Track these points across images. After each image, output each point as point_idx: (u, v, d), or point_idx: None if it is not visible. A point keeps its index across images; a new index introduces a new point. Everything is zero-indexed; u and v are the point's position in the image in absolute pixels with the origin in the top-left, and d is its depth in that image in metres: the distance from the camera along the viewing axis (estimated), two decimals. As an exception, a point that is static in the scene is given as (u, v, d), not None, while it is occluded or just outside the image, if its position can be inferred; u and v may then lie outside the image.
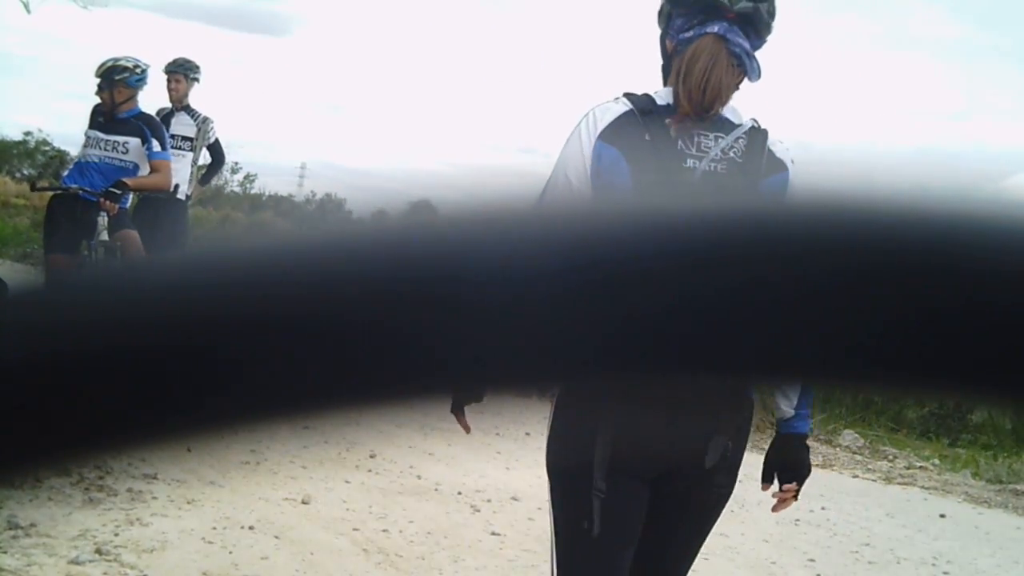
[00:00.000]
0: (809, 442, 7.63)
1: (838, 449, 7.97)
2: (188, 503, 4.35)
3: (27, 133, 34.92)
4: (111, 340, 0.26)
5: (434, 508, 4.97)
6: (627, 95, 2.23)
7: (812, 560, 5.00)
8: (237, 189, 29.69)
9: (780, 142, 2.23)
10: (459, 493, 5.27)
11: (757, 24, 2.22)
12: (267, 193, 30.09)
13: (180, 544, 3.85)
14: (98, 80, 6.55)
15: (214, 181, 9.05)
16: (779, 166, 2.18)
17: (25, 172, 32.42)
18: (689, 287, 0.25)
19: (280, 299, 0.26)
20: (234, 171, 30.20)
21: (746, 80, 2.24)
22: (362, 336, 0.26)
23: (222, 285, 0.27)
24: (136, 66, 6.66)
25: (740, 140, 2.19)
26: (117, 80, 6.61)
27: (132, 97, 6.63)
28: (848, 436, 8.18)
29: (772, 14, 2.24)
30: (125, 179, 6.32)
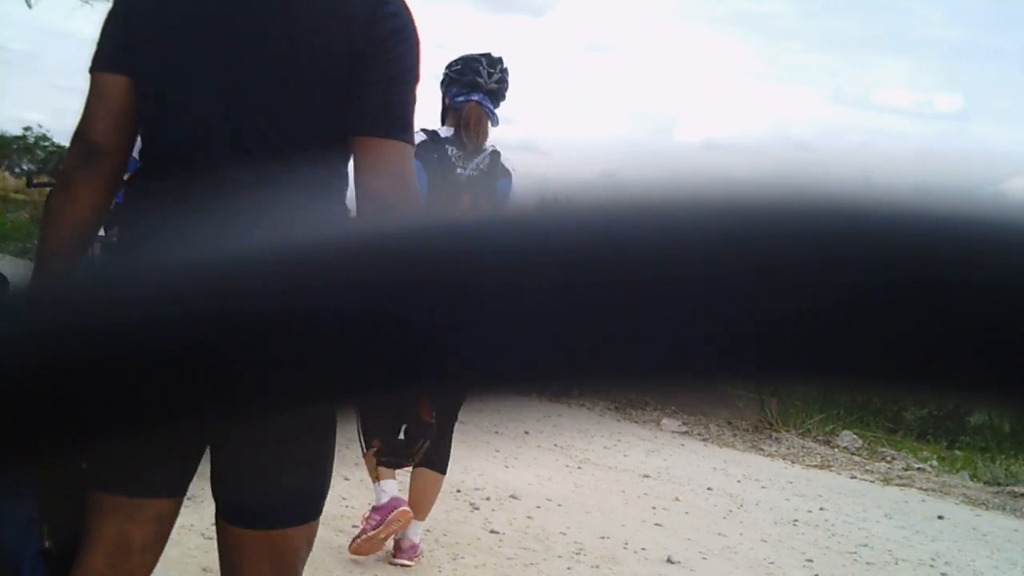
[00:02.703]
0: (807, 442, 7.65)
1: (836, 450, 7.98)
2: (187, 499, 4.35)
3: (26, 128, 34.84)
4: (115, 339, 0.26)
5: (434, 506, 4.98)
6: (423, 129, 3.77)
7: (810, 560, 5.01)
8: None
9: (507, 160, 3.96)
10: (458, 491, 5.27)
11: (499, 96, 3.98)
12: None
13: (180, 540, 3.85)
14: None
15: None
16: (506, 174, 3.93)
17: (24, 167, 32.35)
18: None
19: (281, 296, 0.26)
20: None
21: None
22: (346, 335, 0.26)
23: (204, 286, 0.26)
24: None
25: (486, 158, 3.91)
26: None
27: None
28: (847, 437, 8.19)
29: (506, 91, 4.02)
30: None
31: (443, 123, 3.95)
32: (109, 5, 1.86)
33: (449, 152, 3.82)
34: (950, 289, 0.25)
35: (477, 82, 3.86)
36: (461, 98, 3.87)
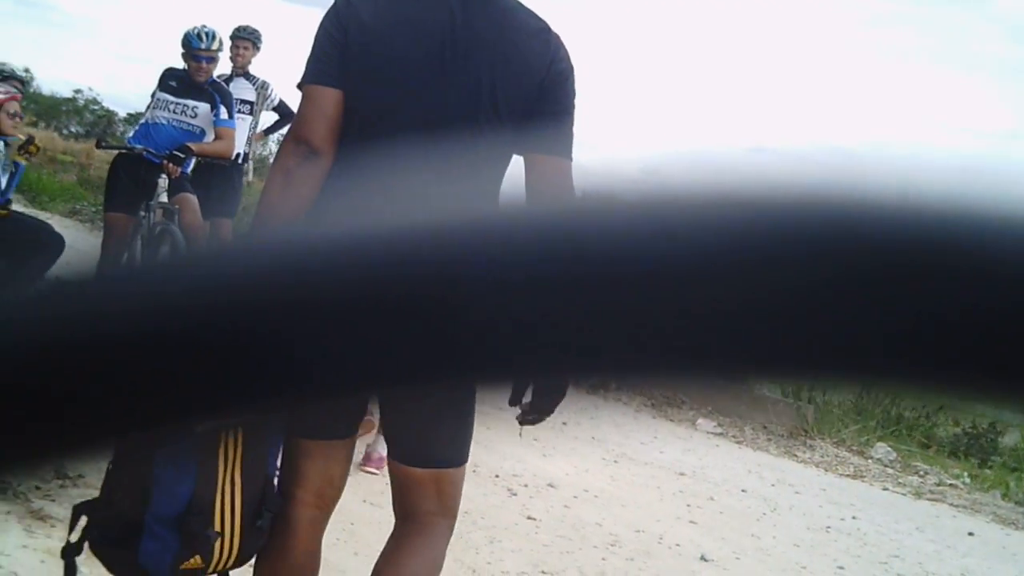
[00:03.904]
0: (841, 451, 7.60)
1: (870, 461, 7.96)
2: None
3: (77, 91, 35.10)
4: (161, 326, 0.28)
5: (471, 489, 4.99)
6: None
7: (842, 567, 5.03)
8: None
9: None
10: (496, 476, 5.32)
11: None
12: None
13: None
14: (210, 50, 6.66)
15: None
16: None
17: (72, 129, 32.59)
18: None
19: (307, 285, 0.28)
20: (264, 145, 30.06)
21: None
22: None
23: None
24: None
25: None
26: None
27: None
28: (881, 449, 8.18)
29: None
30: (189, 143, 6.39)
31: None
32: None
33: None
34: (984, 291, 0.26)
35: None
36: None
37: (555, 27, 2.23)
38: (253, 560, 2.26)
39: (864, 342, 0.26)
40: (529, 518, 4.81)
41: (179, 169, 6.30)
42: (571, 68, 2.22)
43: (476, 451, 5.67)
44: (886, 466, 7.90)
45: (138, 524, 2.04)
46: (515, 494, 5.15)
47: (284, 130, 8.73)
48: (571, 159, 2.21)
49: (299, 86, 2.22)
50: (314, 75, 2.16)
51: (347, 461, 2.34)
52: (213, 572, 2.15)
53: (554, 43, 2.20)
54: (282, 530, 2.24)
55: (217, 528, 2.09)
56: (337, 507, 2.37)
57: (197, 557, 2.07)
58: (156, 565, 2.05)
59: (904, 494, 7.15)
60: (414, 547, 2.32)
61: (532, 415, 2.18)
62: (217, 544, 2.09)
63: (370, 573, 2.33)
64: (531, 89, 2.16)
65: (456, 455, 2.32)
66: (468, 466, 5.27)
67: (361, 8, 2.14)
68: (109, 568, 2.12)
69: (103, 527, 2.09)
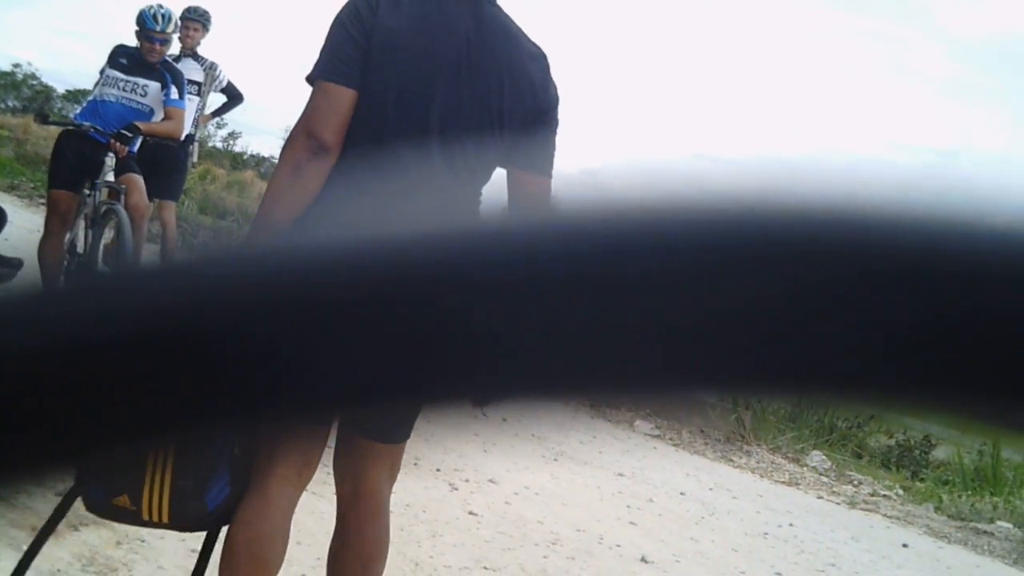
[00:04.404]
0: (777, 458, 7.67)
1: (805, 469, 8.02)
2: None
3: (15, 65, 34.65)
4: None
5: (413, 482, 4.98)
6: None
7: (779, 574, 5.04)
8: (220, 144, 29.39)
9: None
10: (438, 470, 5.29)
11: None
12: (249, 152, 29.73)
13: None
14: (165, 32, 6.54)
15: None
16: None
17: (9, 103, 32.15)
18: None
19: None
20: (219, 126, 29.91)
21: None
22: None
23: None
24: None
25: None
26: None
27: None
28: (816, 457, 8.24)
29: None
30: (138, 123, 6.28)
31: None
32: None
33: None
34: (933, 295, 0.26)
35: None
36: None
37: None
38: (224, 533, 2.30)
39: (803, 353, 0.26)
40: (471, 513, 4.78)
41: (126, 148, 6.18)
42: (559, 97, 2.41)
43: (417, 444, 5.64)
44: (821, 474, 7.96)
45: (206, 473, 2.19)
46: (456, 489, 5.12)
47: (230, 113, 8.66)
48: (551, 176, 2.39)
49: (312, 79, 2.27)
50: (332, 72, 2.23)
51: (324, 445, 2.40)
52: (147, 520, 2.18)
53: (549, 69, 2.38)
54: (260, 506, 2.27)
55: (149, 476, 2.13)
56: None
57: (126, 496, 2.12)
58: (94, 496, 2.16)
59: (839, 503, 7.20)
60: (373, 513, 2.45)
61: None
62: (145, 490, 2.12)
63: (331, 545, 2.49)
64: (530, 109, 2.32)
65: (408, 432, 2.46)
66: (409, 459, 5.29)
67: (387, 17, 2.24)
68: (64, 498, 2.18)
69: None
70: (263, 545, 2.26)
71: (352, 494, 2.46)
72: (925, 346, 0.26)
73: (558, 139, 2.42)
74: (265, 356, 0.27)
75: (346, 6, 2.27)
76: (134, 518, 2.15)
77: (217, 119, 8.84)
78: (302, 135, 2.22)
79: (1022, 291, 0.26)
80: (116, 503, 2.13)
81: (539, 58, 2.37)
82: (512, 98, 2.29)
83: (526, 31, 2.38)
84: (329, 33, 2.26)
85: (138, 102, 6.40)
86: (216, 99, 8.33)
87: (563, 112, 2.42)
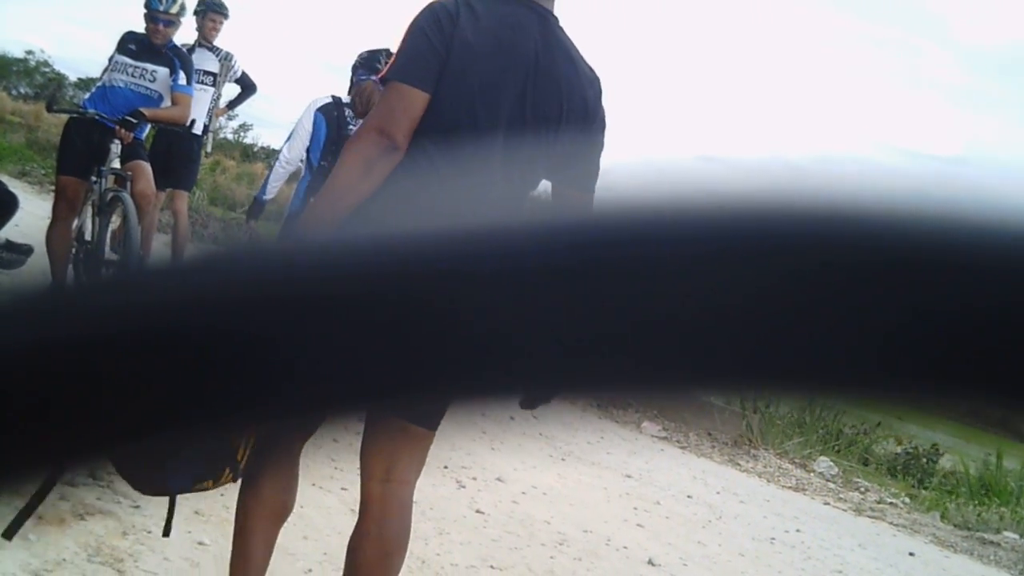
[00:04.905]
0: (784, 463, 7.66)
1: (812, 474, 8.00)
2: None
3: (28, 52, 34.69)
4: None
5: (420, 479, 4.95)
6: (332, 95, 5.36)
7: (786, 580, 5.03)
8: (231, 136, 29.36)
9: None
10: (445, 467, 5.26)
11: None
12: (259, 144, 29.67)
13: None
14: (170, 13, 6.49)
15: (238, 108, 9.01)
16: None
17: (22, 90, 32.17)
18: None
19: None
20: (230, 118, 29.85)
21: None
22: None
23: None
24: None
25: None
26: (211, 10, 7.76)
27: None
28: (823, 463, 8.22)
29: None
30: (143, 109, 6.25)
31: (349, 94, 5.25)
32: None
33: (347, 113, 5.24)
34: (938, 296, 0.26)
35: (376, 67, 4.95)
36: (363, 77, 5.08)
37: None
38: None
39: (807, 353, 0.26)
40: (478, 511, 4.76)
41: (131, 135, 6.14)
42: (605, 113, 2.51)
43: (425, 441, 5.62)
44: (828, 480, 7.94)
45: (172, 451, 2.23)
46: (464, 486, 5.10)
47: (245, 104, 8.64)
48: (593, 193, 2.45)
49: (386, 79, 2.37)
50: (409, 75, 2.32)
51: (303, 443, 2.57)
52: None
53: (602, 94, 2.49)
54: (275, 456, 2.49)
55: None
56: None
57: (210, 480, 2.26)
58: (179, 484, 2.27)
59: (845, 510, 7.18)
60: (400, 503, 2.49)
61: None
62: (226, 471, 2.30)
63: (352, 535, 2.51)
64: (582, 132, 2.43)
65: (440, 420, 2.44)
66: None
67: (467, 28, 2.33)
68: (133, 483, 2.29)
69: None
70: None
71: (383, 482, 2.47)
72: (930, 348, 0.26)
73: (601, 160, 2.53)
74: (325, 347, 0.27)
75: (426, 13, 2.36)
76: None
77: (230, 111, 8.83)
78: (374, 132, 2.30)
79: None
80: (198, 486, 2.28)
81: (596, 82, 2.48)
82: (570, 119, 2.40)
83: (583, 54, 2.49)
84: (408, 37, 2.34)
85: (147, 87, 6.37)
86: (230, 90, 8.32)
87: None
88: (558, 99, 2.39)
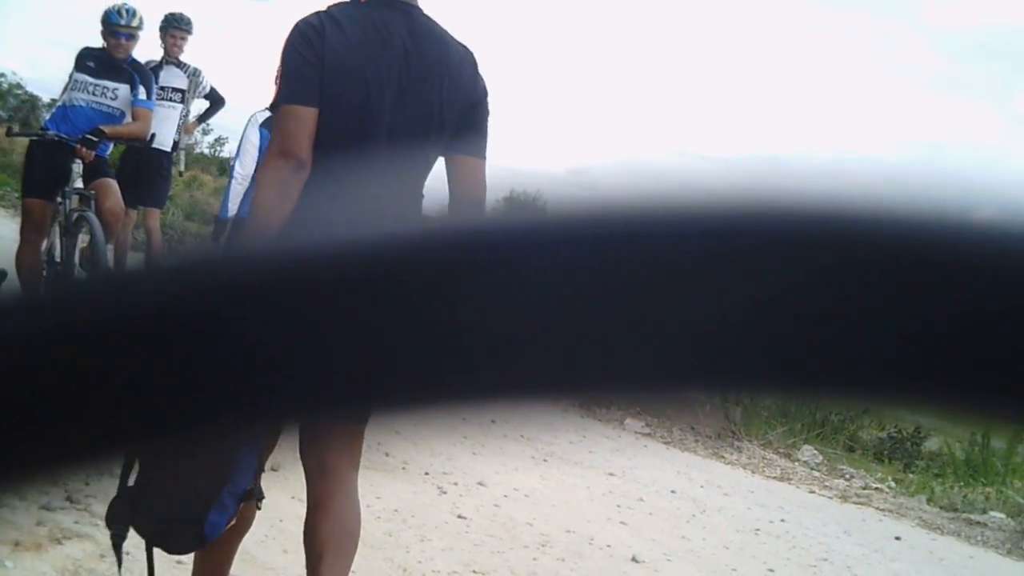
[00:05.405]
0: (768, 453, 7.70)
1: (796, 463, 8.01)
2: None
3: (0, 75, 34.51)
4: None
5: (401, 486, 4.96)
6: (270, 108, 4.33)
7: (772, 570, 5.02)
8: (207, 151, 29.26)
9: None
10: (426, 474, 5.26)
11: None
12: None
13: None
14: (130, 27, 6.46)
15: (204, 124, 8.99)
16: None
17: (-6, 114, 32.02)
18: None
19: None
20: (205, 132, 29.79)
21: None
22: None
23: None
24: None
25: None
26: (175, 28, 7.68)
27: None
28: (807, 451, 8.23)
29: None
30: (103, 126, 6.21)
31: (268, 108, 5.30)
32: None
33: None
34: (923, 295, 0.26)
35: None
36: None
37: (488, 28, 2.61)
38: None
39: (791, 350, 0.26)
40: (460, 517, 4.75)
41: (93, 153, 6.11)
42: (487, 87, 2.67)
43: (405, 448, 5.64)
44: (812, 469, 7.95)
45: (208, 500, 2.31)
46: (445, 492, 5.09)
47: (215, 117, 8.61)
48: (486, 159, 2.63)
49: (276, 106, 2.51)
50: (296, 95, 2.45)
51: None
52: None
53: (477, 66, 2.64)
54: None
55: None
56: (265, 504, 2.57)
57: (235, 519, 2.39)
58: (215, 531, 2.33)
59: (831, 497, 7.19)
60: (339, 485, 2.64)
61: None
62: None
63: (305, 521, 2.67)
64: (465, 106, 2.58)
65: (367, 417, 2.61)
66: (397, 463, 5.27)
67: (334, 38, 2.46)
68: (164, 546, 2.38)
69: (153, 512, 2.32)
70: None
71: (318, 470, 2.63)
72: (912, 341, 0.26)
73: (490, 126, 2.67)
74: (262, 351, 0.28)
75: (294, 33, 2.47)
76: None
77: (203, 125, 8.81)
78: (279, 156, 2.43)
79: (1007, 285, 0.26)
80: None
81: (468, 57, 2.62)
82: (450, 101, 2.55)
83: (454, 33, 2.61)
84: (284, 60, 2.47)
85: (108, 105, 6.34)
86: (199, 105, 8.29)
87: (495, 105, 2.68)
88: (435, 83, 2.52)
